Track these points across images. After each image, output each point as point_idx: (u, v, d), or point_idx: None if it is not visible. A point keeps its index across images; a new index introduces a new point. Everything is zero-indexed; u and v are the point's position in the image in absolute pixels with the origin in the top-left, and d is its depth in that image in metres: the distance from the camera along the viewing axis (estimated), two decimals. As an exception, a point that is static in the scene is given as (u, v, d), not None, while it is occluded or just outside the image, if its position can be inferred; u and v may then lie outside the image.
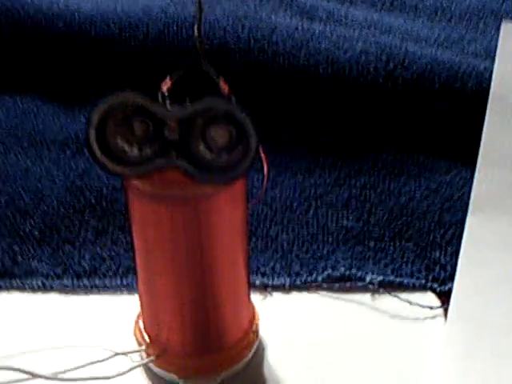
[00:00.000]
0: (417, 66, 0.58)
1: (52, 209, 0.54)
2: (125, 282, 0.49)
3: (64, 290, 0.49)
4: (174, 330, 0.42)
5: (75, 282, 0.49)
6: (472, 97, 0.58)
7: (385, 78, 0.58)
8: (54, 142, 0.59)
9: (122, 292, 0.49)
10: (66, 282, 0.49)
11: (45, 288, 0.49)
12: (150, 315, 0.43)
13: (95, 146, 0.35)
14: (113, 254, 0.51)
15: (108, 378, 0.41)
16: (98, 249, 0.51)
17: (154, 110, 0.34)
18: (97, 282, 0.49)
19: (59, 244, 0.52)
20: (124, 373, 0.41)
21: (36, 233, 0.52)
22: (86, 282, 0.49)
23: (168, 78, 0.37)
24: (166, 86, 0.37)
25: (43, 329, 0.47)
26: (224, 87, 0.37)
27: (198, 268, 0.39)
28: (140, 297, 0.42)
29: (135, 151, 0.35)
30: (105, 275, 0.50)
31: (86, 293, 0.49)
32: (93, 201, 0.54)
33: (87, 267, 0.50)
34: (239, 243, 0.40)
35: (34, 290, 0.49)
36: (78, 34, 0.62)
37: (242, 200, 0.38)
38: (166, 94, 0.36)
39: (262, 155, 0.37)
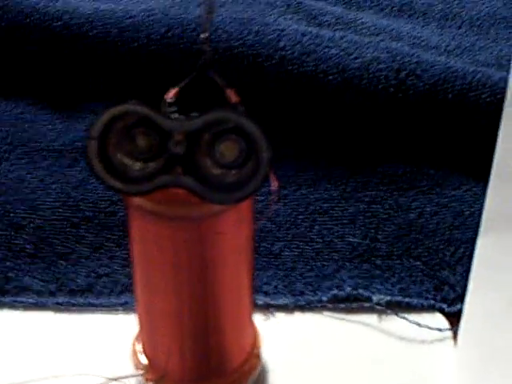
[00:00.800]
0: (429, 75, 0.56)
1: (46, 222, 0.51)
2: (122, 301, 0.47)
3: (57, 308, 0.47)
4: (173, 353, 0.40)
5: (69, 299, 0.47)
6: (486, 108, 0.56)
7: (396, 88, 0.56)
8: (49, 151, 0.57)
9: (117, 311, 0.47)
10: (59, 299, 0.47)
11: (37, 306, 0.47)
12: (149, 338, 0.41)
13: (95, 160, 0.33)
14: (109, 270, 0.49)
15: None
16: (94, 265, 0.49)
17: (160, 121, 0.32)
18: (92, 299, 0.47)
19: (53, 259, 0.49)
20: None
21: (29, 247, 0.50)
22: (80, 299, 0.47)
23: (173, 88, 0.35)
24: (170, 95, 0.35)
25: (34, 349, 0.45)
26: (232, 96, 0.35)
27: (199, 290, 0.37)
28: (138, 318, 0.40)
29: (138, 166, 0.33)
30: (101, 293, 0.48)
31: (80, 311, 0.47)
32: (89, 214, 0.52)
33: (82, 284, 0.48)
34: (244, 265, 0.38)
35: (25, 307, 0.47)
36: (76, 36, 0.60)
37: (248, 220, 0.37)
38: (171, 104, 0.34)
39: (272, 176, 0.35)
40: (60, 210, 0.52)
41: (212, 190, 0.33)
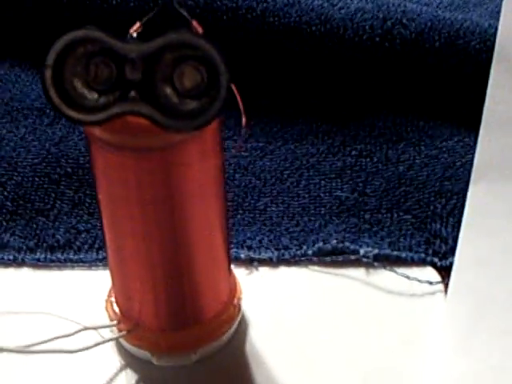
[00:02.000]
0: (416, 24, 0.54)
1: (26, 179, 0.50)
2: (101, 256, 0.46)
3: (36, 264, 0.46)
4: (145, 301, 0.38)
5: (48, 255, 0.46)
6: (475, 56, 0.53)
7: (382, 37, 0.54)
8: (31, 110, 0.56)
9: (97, 267, 0.46)
10: (38, 255, 0.46)
11: (16, 262, 0.46)
12: (121, 286, 0.39)
13: (51, 89, 0.31)
14: (89, 226, 0.48)
15: (71, 352, 0.38)
16: (74, 221, 0.48)
17: (114, 45, 0.31)
18: (71, 255, 0.46)
19: (33, 216, 0.48)
20: (89, 347, 0.38)
21: (8, 204, 0.49)
22: (59, 255, 0.46)
23: (138, 22, 0.34)
24: (134, 29, 0.33)
25: (12, 304, 0.44)
26: (197, 28, 0.34)
27: (168, 229, 0.35)
28: (109, 266, 0.39)
29: (95, 96, 0.32)
30: (80, 249, 0.46)
31: (59, 267, 0.46)
32: (69, 170, 0.50)
33: (61, 240, 0.47)
34: (214, 203, 0.36)
35: (5, 264, 0.46)
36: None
37: (215, 152, 0.35)
38: (135, 36, 0.33)
39: (239, 101, 0.34)
40: (40, 167, 0.51)
41: (170, 118, 0.31)
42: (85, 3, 0.58)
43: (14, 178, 0.50)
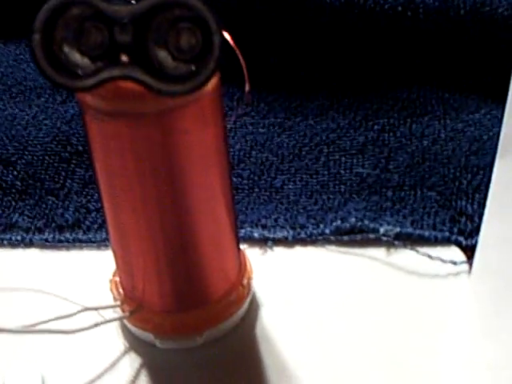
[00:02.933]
0: (440, -9, 0.52)
1: (36, 158, 0.49)
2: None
3: (44, 244, 0.45)
4: (149, 280, 0.37)
5: (57, 235, 0.45)
6: (503, 23, 0.51)
7: (404, 6, 0.51)
8: (44, 89, 0.55)
9: (106, 247, 0.44)
10: (46, 235, 0.45)
11: (24, 243, 0.45)
12: (124, 264, 0.38)
13: (40, 55, 0.30)
14: (99, 205, 0.46)
15: (70, 332, 0.36)
16: (84, 200, 0.47)
17: (103, 7, 0.29)
18: (80, 235, 0.45)
19: (42, 195, 0.47)
20: (88, 328, 0.37)
21: (18, 184, 0.48)
22: (68, 235, 0.45)
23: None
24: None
25: (17, 284, 0.42)
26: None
27: (169, 202, 0.34)
28: (111, 244, 0.38)
29: (87, 62, 0.30)
30: (89, 228, 0.45)
31: (67, 248, 0.45)
32: (80, 148, 0.49)
33: (70, 220, 0.46)
34: (216, 173, 0.34)
35: (13, 245, 0.45)
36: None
37: (214, 119, 0.33)
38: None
39: (243, 65, 0.32)
40: (51, 145, 0.49)
41: (163, 82, 0.29)
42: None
43: (25, 157, 0.49)
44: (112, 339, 0.39)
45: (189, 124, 0.32)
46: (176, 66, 0.30)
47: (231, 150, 0.49)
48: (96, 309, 0.38)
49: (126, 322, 0.39)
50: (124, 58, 0.30)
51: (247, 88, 0.33)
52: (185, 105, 0.31)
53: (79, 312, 0.38)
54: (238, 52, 0.32)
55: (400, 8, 0.52)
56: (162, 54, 0.30)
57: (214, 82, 0.32)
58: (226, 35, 0.31)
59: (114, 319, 0.38)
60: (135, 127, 0.31)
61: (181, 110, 0.31)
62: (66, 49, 0.30)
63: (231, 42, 0.32)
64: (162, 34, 0.30)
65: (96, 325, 0.37)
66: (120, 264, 0.38)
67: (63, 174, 0.48)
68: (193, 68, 0.30)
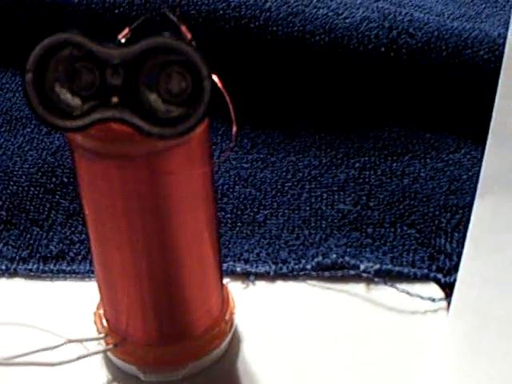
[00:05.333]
0: (422, 33, 0.52)
1: (21, 188, 0.49)
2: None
3: (28, 274, 0.45)
4: (133, 315, 0.37)
5: (41, 266, 0.45)
6: (483, 66, 0.52)
7: (387, 47, 0.52)
8: (30, 119, 0.55)
9: (90, 278, 0.44)
10: (31, 266, 0.45)
11: (8, 272, 0.45)
12: (108, 299, 0.38)
13: (32, 94, 0.30)
14: (83, 237, 0.46)
15: (53, 364, 0.37)
16: (68, 232, 0.47)
17: (95, 50, 0.29)
18: (64, 266, 0.45)
19: (27, 226, 0.47)
20: (71, 361, 0.37)
21: (3, 214, 0.48)
22: (52, 266, 0.45)
23: (127, 28, 0.33)
24: (123, 35, 0.33)
25: (1, 315, 0.42)
26: (186, 34, 0.33)
27: (155, 240, 0.34)
28: (97, 278, 0.38)
29: (78, 102, 0.30)
30: (73, 260, 0.45)
31: (51, 278, 0.45)
32: (65, 180, 0.49)
33: (55, 251, 0.46)
34: (203, 213, 0.35)
35: (-4, 274, 0.46)
36: (60, 6, 0.58)
37: (202, 160, 0.34)
38: (122, 41, 0.32)
39: (230, 106, 0.32)
40: (36, 176, 0.50)
41: (153, 124, 0.30)
42: (86, 11, 0.57)
43: (10, 187, 0.49)
44: (96, 371, 0.40)
45: (177, 165, 0.32)
46: (166, 109, 0.31)
47: (215, 184, 0.50)
48: (80, 341, 0.39)
49: (109, 354, 0.39)
50: (115, 100, 0.30)
51: (234, 130, 0.34)
52: (174, 147, 0.32)
53: (62, 344, 0.38)
54: (226, 96, 0.32)
55: (383, 49, 0.53)
56: (153, 97, 0.31)
57: (203, 124, 0.32)
58: (215, 77, 0.32)
59: (98, 352, 0.38)
60: (123, 168, 0.32)
61: (169, 152, 0.32)
62: (58, 89, 0.31)
63: (220, 84, 0.32)
64: (152, 78, 0.30)
65: (80, 357, 0.37)
66: (104, 298, 0.38)
67: (48, 205, 0.48)
68: (183, 111, 0.30)
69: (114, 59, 0.30)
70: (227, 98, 0.33)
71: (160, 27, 0.33)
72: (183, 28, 0.33)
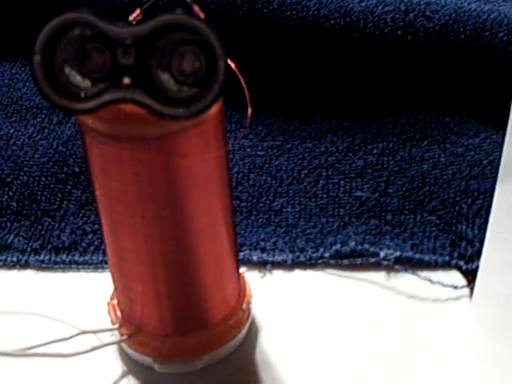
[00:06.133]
0: (440, 16, 0.51)
1: (32, 178, 0.48)
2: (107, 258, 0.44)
3: (40, 266, 0.44)
4: (148, 304, 0.36)
5: (53, 257, 0.44)
6: (503, 48, 0.50)
7: (404, 30, 0.51)
8: (40, 108, 0.54)
9: (103, 269, 0.44)
10: (42, 257, 0.44)
11: (19, 264, 0.44)
12: (122, 288, 0.37)
13: (40, 77, 0.29)
14: (96, 227, 0.45)
15: (66, 355, 0.36)
16: (81, 222, 0.46)
17: (105, 29, 0.29)
18: (76, 257, 0.44)
19: (38, 217, 0.47)
20: (85, 352, 0.36)
21: (14, 205, 0.47)
22: (64, 257, 0.44)
23: (138, 9, 0.32)
24: (134, 16, 0.32)
25: (13, 306, 0.42)
26: (199, 13, 0.32)
27: (169, 226, 0.33)
28: (110, 267, 0.37)
29: (88, 84, 0.30)
30: (86, 250, 0.45)
31: (63, 269, 0.44)
32: (77, 169, 0.49)
33: (67, 241, 0.45)
34: (218, 197, 0.34)
35: (8, 266, 0.44)
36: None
37: (216, 142, 0.33)
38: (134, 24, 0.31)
39: (245, 89, 0.31)
40: (47, 166, 0.49)
41: (165, 105, 0.29)
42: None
43: (20, 177, 0.49)
44: (110, 363, 0.39)
45: (191, 148, 0.31)
46: (179, 90, 0.30)
47: (230, 172, 0.49)
48: (94, 332, 0.38)
49: (124, 345, 0.38)
50: (126, 81, 0.29)
51: (249, 112, 0.33)
52: (187, 129, 0.31)
53: (76, 335, 0.37)
54: (240, 77, 0.31)
55: (400, 32, 0.52)
56: (165, 77, 0.30)
57: (217, 106, 0.31)
58: (229, 60, 0.31)
59: (112, 343, 0.38)
60: (137, 151, 0.31)
61: (183, 134, 0.31)
62: (67, 70, 0.30)
63: (234, 67, 0.31)
64: (165, 57, 0.30)
65: (93, 348, 0.37)
66: (118, 287, 0.37)
67: (59, 195, 0.48)
68: (196, 92, 0.30)
69: (125, 39, 0.29)
70: (241, 80, 0.32)
71: (171, 7, 0.33)
72: (196, 8, 0.32)
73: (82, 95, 0.30)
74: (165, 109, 0.29)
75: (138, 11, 0.32)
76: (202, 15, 0.33)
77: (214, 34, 0.29)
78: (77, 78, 0.30)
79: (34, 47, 0.29)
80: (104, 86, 0.30)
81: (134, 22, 0.31)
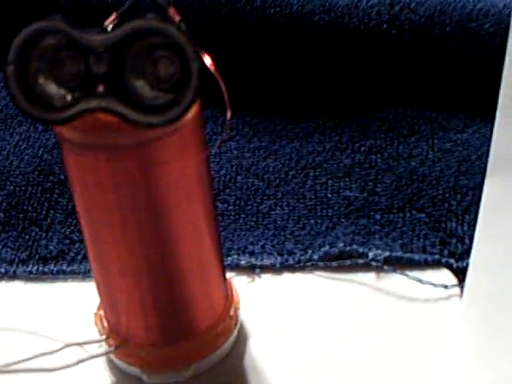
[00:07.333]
0: (425, 8, 0.51)
1: (18, 188, 0.48)
2: (95, 267, 0.43)
3: (28, 277, 0.44)
4: (133, 314, 0.36)
5: (41, 267, 0.44)
6: (489, 40, 0.50)
7: (389, 24, 0.51)
8: (25, 117, 0.53)
9: (91, 278, 0.42)
10: (30, 267, 0.44)
11: (8, 275, 0.44)
12: (107, 299, 0.37)
13: (14, 87, 0.29)
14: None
15: (53, 370, 0.36)
16: (68, 231, 0.46)
17: (77, 37, 0.28)
18: (64, 267, 0.44)
19: (25, 227, 0.46)
20: (72, 365, 0.36)
21: (1, 215, 0.47)
22: (52, 267, 0.44)
23: (114, 13, 0.32)
24: (109, 21, 0.31)
25: (1, 319, 0.41)
26: (174, 16, 0.31)
27: (151, 234, 0.33)
28: (94, 278, 0.37)
29: (62, 93, 0.29)
30: (73, 260, 0.44)
31: (51, 279, 0.44)
32: (62, 177, 0.48)
33: (54, 251, 0.45)
34: (200, 204, 0.34)
35: (-5, 277, 0.44)
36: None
37: (196, 148, 0.32)
38: (109, 28, 0.31)
39: (223, 89, 0.31)
40: (33, 175, 0.49)
41: (140, 113, 0.28)
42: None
43: (7, 187, 0.48)
44: (98, 375, 0.38)
45: (169, 155, 0.31)
46: (154, 96, 0.29)
47: (216, 175, 0.49)
48: (79, 344, 0.38)
49: (111, 356, 0.38)
50: (100, 89, 0.29)
51: (228, 115, 0.33)
52: (164, 135, 0.30)
53: (63, 348, 0.37)
54: (218, 77, 0.31)
55: (385, 26, 0.51)
56: (140, 84, 0.29)
57: (194, 110, 0.31)
58: (207, 59, 0.31)
59: (99, 355, 0.37)
60: (113, 160, 0.31)
61: (160, 141, 0.30)
62: (41, 80, 0.30)
63: (212, 67, 0.31)
64: (139, 63, 0.29)
65: (81, 361, 0.36)
66: (103, 298, 0.37)
67: (46, 204, 0.47)
68: (172, 97, 0.29)
69: (98, 46, 0.29)
70: (220, 81, 0.32)
71: (149, 11, 0.32)
72: (171, 10, 0.32)
73: (57, 105, 0.29)
74: (140, 117, 0.29)
75: (113, 16, 0.32)
76: (177, 18, 0.32)
77: (186, 38, 0.28)
78: (51, 88, 0.30)
79: (7, 57, 0.29)
80: (78, 94, 0.29)
81: (109, 27, 0.31)
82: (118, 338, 0.37)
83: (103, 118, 0.29)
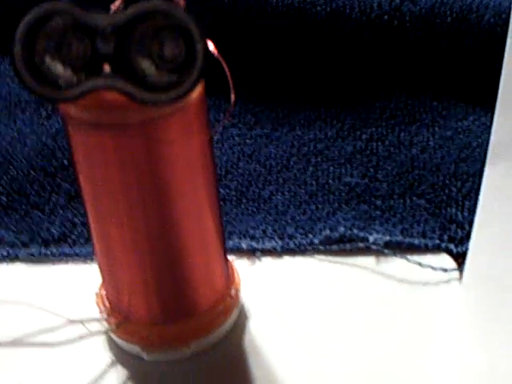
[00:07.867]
0: (426, -1, 0.52)
1: (21, 173, 0.48)
2: (96, 249, 0.44)
3: (30, 259, 0.44)
4: (135, 293, 0.36)
5: (42, 250, 0.44)
6: (490, 31, 0.51)
7: (390, 15, 0.51)
8: (29, 103, 0.54)
9: (93, 260, 0.43)
10: (32, 250, 0.44)
11: (9, 258, 0.44)
12: (109, 277, 0.37)
13: (20, 65, 0.29)
14: (85, 219, 0.46)
15: (54, 345, 0.36)
16: (70, 214, 0.46)
17: (84, 18, 0.29)
18: (66, 249, 0.44)
19: (28, 210, 0.47)
20: (73, 341, 0.36)
21: (3, 199, 0.47)
22: (54, 249, 0.44)
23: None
24: (116, 4, 0.32)
25: (3, 298, 0.41)
26: (179, 1, 0.32)
27: (154, 213, 0.33)
28: (96, 257, 0.37)
29: (69, 73, 0.30)
30: (75, 242, 0.45)
31: (53, 262, 0.44)
32: (65, 162, 0.49)
33: (56, 234, 0.45)
34: (202, 183, 0.34)
35: (-2, 259, 0.45)
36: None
37: (199, 127, 0.33)
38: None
39: (227, 72, 0.31)
40: (36, 160, 0.49)
41: (145, 91, 0.29)
42: None
43: (10, 172, 0.49)
44: (98, 352, 0.39)
45: (173, 134, 0.31)
46: (159, 76, 0.30)
47: (218, 161, 0.49)
48: (81, 321, 0.38)
49: (112, 334, 0.38)
50: (106, 69, 0.29)
51: (232, 97, 0.33)
52: (169, 115, 0.31)
53: (64, 325, 0.38)
54: (221, 61, 0.31)
55: (386, 17, 0.52)
56: (145, 64, 0.30)
57: (198, 91, 0.32)
58: (211, 45, 0.31)
59: (100, 332, 0.38)
60: (119, 138, 0.31)
61: (165, 120, 0.31)
62: (48, 60, 0.30)
63: (215, 52, 0.31)
64: (144, 44, 0.30)
65: (81, 337, 0.37)
66: (106, 277, 0.37)
67: (48, 188, 0.48)
68: (176, 77, 0.30)
69: (104, 27, 0.29)
70: (223, 64, 0.32)
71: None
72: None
73: (64, 84, 0.30)
74: (145, 95, 0.29)
75: (119, 0, 0.33)
76: (182, 2, 0.33)
77: (192, 20, 0.29)
78: (58, 68, 0.30)
79: (14, 37, 0.30)
80: (85, 74, 0.30)
81: (115, 11, 0.31)
82: (119, 317, 0.37)
83: (109, 96, 0.30)
